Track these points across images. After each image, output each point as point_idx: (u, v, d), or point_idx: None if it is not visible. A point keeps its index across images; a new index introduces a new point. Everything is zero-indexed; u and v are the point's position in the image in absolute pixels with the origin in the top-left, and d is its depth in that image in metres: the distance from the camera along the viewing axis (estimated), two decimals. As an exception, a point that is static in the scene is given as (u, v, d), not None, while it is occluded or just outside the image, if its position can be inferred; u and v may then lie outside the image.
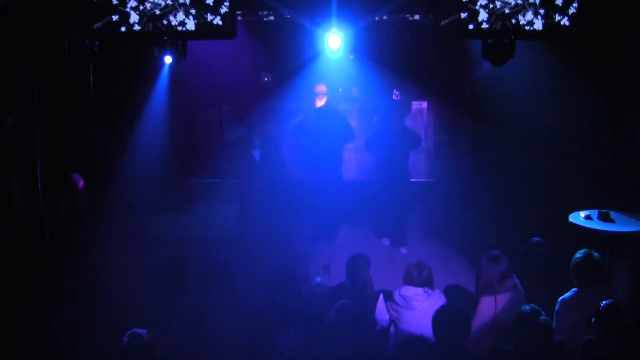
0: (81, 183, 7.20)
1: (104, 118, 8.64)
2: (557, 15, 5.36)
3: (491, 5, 5.30)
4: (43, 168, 5.60)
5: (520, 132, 8.75)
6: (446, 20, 5.33)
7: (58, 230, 6.66)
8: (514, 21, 5.35)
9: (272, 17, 8.73)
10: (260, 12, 8.19)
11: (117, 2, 5.13)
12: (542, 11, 5.38)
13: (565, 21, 5.39)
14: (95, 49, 5.50)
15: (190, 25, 5.20)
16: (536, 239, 5.08)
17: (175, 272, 4.51)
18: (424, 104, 9.73)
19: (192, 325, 4.24)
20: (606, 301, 3.68)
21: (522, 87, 8.24)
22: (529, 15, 5.38)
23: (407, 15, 8.96)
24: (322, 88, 7.86)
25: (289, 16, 7.35)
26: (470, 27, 5.33)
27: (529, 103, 8.50)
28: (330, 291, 4.68)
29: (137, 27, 5.21)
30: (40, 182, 5.57)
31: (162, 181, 9.03)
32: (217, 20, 5.20)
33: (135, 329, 3.50)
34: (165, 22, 5.20)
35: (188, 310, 4.30)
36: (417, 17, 8.60)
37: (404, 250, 7.40)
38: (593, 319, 3.62)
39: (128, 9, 5.18)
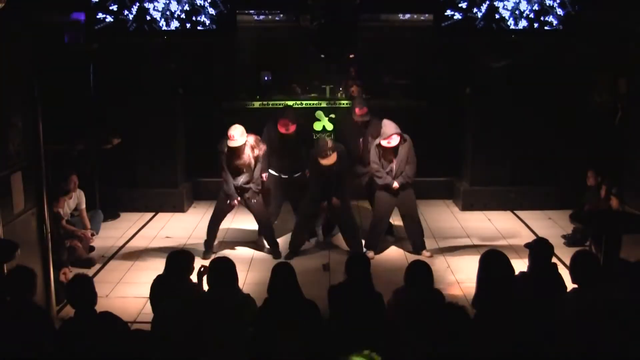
0: (73, 178, 7.20)
1: (104, 118, 8.64)
2: (556, 15, 5.38)
3: (491, 6, 5.32)
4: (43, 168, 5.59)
5: (520, 131, 8.77)
6: (446, 21, 5.35)
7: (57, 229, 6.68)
8: (512, 21, 5.37)
9: (270, 17, 8.76)
10: (259, 12, 8.21)
11: (117, 3, 5.14)
12: (542, 11, 5.40)
13: (565, 21, 5.41)
14: (95, 49, 5.51)
15: (189, 25, 5.21)
16: (541, 238, 5.08)
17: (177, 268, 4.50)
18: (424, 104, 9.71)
19: (192, 324, 4.23)
20: (622, 300, 3.67)
21: (522, 86, 8.25)
22: (529, 16, 5.40)
23: (406, 16, 8.97)
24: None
25: (287, 16, 7.35)
26: (470, 27, 5.34)
27: (528, 102, 8.51)
28: (330, 291, 4.67)
29: (136, 27, 5.22)
30: (39, 182, 5.56)
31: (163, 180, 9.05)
32: (217, 20, 5.21)
33: (138, 328, 3.48)
34: (164, 22, 5.22)
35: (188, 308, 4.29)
36: (417, 17, 8.62)
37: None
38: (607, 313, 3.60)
39: (127, 9, 5.20)
